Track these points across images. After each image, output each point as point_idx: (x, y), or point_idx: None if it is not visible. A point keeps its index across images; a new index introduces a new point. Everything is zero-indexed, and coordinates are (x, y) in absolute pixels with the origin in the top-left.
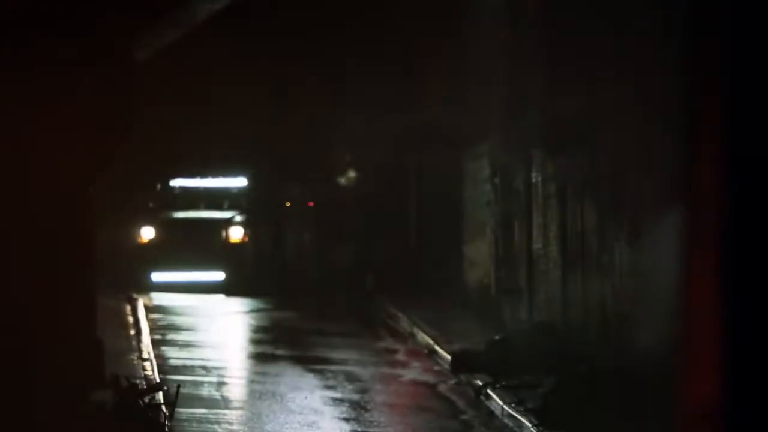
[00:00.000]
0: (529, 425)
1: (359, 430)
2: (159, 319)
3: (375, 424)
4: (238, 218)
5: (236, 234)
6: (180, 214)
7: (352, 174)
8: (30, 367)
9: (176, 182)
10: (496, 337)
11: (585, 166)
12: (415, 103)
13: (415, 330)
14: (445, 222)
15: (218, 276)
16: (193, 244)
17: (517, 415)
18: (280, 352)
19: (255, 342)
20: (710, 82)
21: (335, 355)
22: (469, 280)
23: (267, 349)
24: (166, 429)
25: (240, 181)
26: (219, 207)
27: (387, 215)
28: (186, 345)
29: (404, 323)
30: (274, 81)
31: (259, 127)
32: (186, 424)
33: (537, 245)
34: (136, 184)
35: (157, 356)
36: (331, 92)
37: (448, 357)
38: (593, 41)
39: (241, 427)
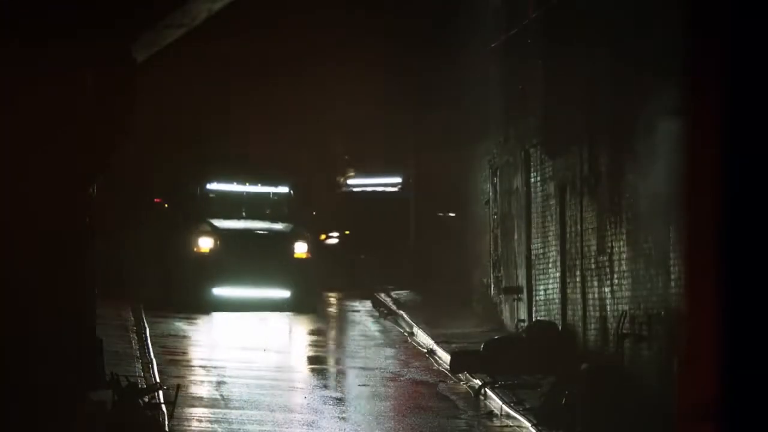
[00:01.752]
0: (528, 425)
1: (359, 429)
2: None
3: (374, 423)
4: (300, 231)
5: (301, 249)
6: (239, 225)
7: (351, 174)
8: (30, 367)
9: (216, 186)
10: (495, 337)
11: (584, 166)
12: (415, 104)
13: (415, 329)
14: (445, 222)
15: (284, 293)
16: (259, 258)
17: (516, 415)
18: (277, 351)
19: (254, 342)
20: (709, 81)
21: (334, 354)
22: (469, 280)
23: (266, 348)
24: (166, 428)
25: (282, 189)
26: (264, 215)
27: (387, 215)
28: (188, 344)
29: (404, 322)
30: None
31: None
32: (186, 423)
33: (536, 245)
34: (173, 189)
35: (157, 355)
36: (331, 92)
37: (448, 356)
38: (592, 42)
39: (241, 427)
